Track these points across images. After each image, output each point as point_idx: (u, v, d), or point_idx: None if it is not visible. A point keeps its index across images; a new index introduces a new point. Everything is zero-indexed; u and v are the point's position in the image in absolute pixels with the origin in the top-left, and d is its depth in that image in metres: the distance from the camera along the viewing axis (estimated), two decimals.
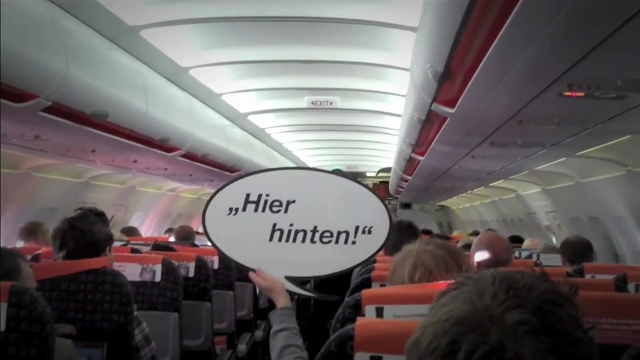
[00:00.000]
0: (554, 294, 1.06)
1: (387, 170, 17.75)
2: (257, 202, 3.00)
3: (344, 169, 19.79)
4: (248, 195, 3.01)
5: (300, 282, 3.06)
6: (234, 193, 3.04)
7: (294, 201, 3.00)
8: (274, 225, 2.99)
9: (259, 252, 2.99)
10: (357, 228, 2.96)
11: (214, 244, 3.07)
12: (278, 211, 3.00)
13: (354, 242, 2.96)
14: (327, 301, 3.12)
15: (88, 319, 3.20)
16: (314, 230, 2.98)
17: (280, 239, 2.99)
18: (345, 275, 3.13)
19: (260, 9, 5.68)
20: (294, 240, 2.99)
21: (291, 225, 2.99)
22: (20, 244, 5.84)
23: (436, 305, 1.11)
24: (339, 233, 2.97)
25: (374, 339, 1.67)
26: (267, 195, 3.01)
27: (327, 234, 2.97)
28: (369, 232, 2.95)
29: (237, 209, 3.01)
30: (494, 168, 8.62)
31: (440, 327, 1.03)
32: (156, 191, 11.49)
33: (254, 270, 2.98)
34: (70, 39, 4.38)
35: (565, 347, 0.98)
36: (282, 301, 2.88)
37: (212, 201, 3.06)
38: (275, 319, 2.80)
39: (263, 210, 3.00)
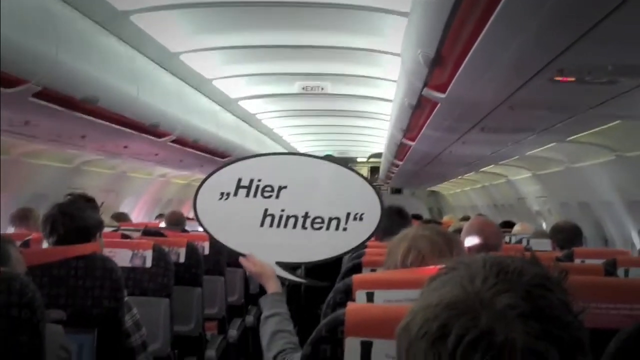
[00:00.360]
0: (544, 279, 1.06)
1: (378, 155, 17.74)
2: (248, 187, 3.01)
3: (335, 154, 19.76)
4: (239, 180, 3.01)
5: (291, 267, 3.07)
6: (226, 178, 3.04)
7: (285, 187, 3.01)
8: (265, 210, 3.00)
9: (249, 237, 3.00)
10: (348, 214, 2.97)
11: (204, 229, 3.07)
12: (269, 196, 3.00)
13: (345, 229, 2.96)
14: (318, 286, 3.12)
15: (78, 304, 3.20)
16: (305, 216, 2.98)
17: (271, 225, 3.00)
18: (336, 261, 3.13)
19: None
20: (285, 226, 2.99)
21: (282, 210, 3.00)
22: (11, 229, 5.83)
23: (427, 290, 1.11)
24: (330, 219, 2.97)
25: (364, 323, 1.67)
26: (259, 180, 3.01)
27: (318, 220, 2.98)
28: (360, 218, 2.96)
29: (228, 194, 3.01)
30: (484, 153, 8.62)
31: (431, 311, 1.03)
32: (147, 177, 11.46)
33: (244, 256, 2.98)
34: (60, 24, 4.35)
35: (555, 331, 0.98)
36: (272, 286, 2.88)
37: (204, 186, 3.06)
38: (265, 305, 2.80)
39: (254, 196, 3.01)
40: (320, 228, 2.98)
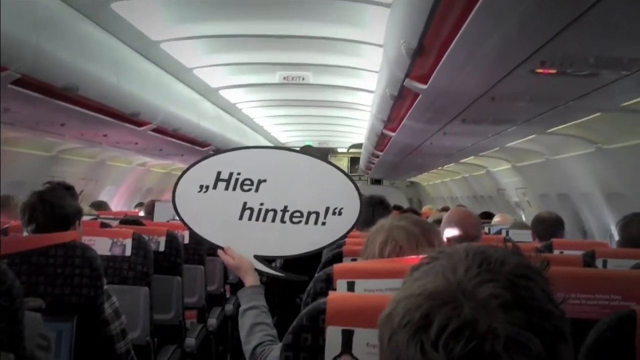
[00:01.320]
0: (526, 269, 1.06)
1: (359, 146, 17.76)
2: (227, 181, 3.00)
3: (315, 144, 19.76)
4: (219, 174, 3.01)
5: (268, 260, 3.07)
6: (205, 171, 3.03)
7: (265, 180, 3.01)
8: (244, 204, 3.00)
9: (228, 231, 3.00)
10: (327, 209, 2.97)
11: (183, 221, 3.07)
12: (249, 190, 3.00)
13: (324, 223, 2.97)
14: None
15: (58, 292, 3.18)
16: (285, 210, 2.99)
17: (250, 218, 2.99)
18: (315, 254, 3.13)
19: None
20: (264, 220, 2.99)
21: (261, 204, 3.00)
22: None
23: (409, 279, 1.11)
24: (309, 213, 2.98)
25: (345, 312, 1.67)
26: (239, 173, 3.01)
27: (298, 214, 2.98)
28: (339, 213, 2.97)
29: (207, 187, 3.01)
30: (465, 144, 8.65)
31: (413, 301, 1.03)
32: (126, 165, 11.43)
33: (222, 249, 2.98)
34: (40, 11, 4.32)
35: (538, 321, 0.98)
36: (250, 279, 2.89)
37: (183, 178, 3.05)
38: (243, 297, 2.80)
39: (234, 189, 3.00)
40: (299, 222, 2.98)
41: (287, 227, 2.98)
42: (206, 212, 3.02)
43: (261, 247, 3.00)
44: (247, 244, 2.98)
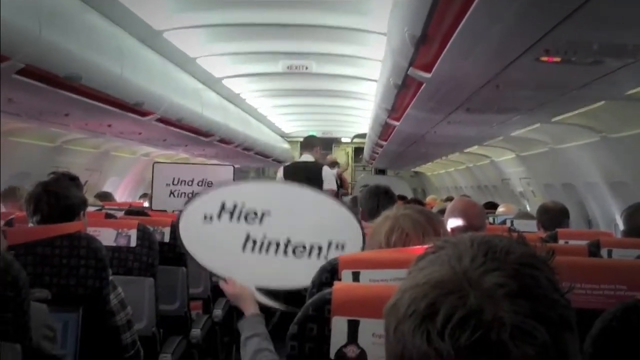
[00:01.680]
0: (532, 258, 1.06)
1: (363, 136, 17.74)
2: (232, 212, 3.02)
3: (319, 134, 19.73)
4: (224, 204, 3.03)
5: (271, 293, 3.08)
6: (210, 201, 3.06)
7: (269, 213, 3.02)
8: (248, 235, 3.01)
9: (231, 261, 3.02)
10: (330, 243, 2.97)
11: (186, 249, 3.10)
12: (252, 221, 3.01)
13: (326, 258, 2.97)
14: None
15: (63, 283, 3.20)
16: (287, 243, 2.99)
17: (252, 249, 3.01)
18: None
19: None
20: (267, 252, 3.00)
21: (264, 236, 3.01)
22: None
23: (414, 269, 1.10)
24: (311, 247, 2.98)
25: (351, 303, 1.67)
26: (243, 205, 3.02)
27: (300, 247, 2.99)
28: (342, 248, 2.97)
29: (211, 217, 3.03)
30: (469, 134, 8.63)
31: (419, 290, 1.03)
32: (130, 156, 11.42)
33: (224, 279, 3.00)
34: (43, 0, 4.31)
35: (543, 310, 0.98)
36: (250, 308, 2.90)
37: (188, 207, 3.09)
38: (245, 327, 2.81)
39: (238, 220, 3.02)
40: (301, 256, 2.99)
41: (289, 260, 2.99)
42: (210, 241, 3.05)
43: (263, 279, 3.00)
44: (249, 275, 2.99)
